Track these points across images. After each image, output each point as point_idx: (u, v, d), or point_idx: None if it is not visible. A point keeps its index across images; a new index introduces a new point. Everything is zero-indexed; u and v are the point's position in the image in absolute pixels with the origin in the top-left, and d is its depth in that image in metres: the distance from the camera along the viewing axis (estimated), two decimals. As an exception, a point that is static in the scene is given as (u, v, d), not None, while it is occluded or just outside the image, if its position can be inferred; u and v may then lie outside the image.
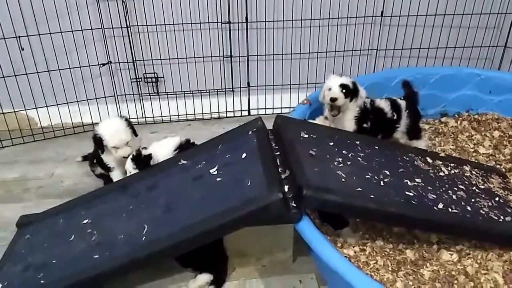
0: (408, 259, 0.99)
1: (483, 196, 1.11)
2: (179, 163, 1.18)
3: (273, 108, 1.97)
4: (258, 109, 1.96)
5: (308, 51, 1.88)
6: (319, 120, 1.36)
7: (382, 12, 1.81)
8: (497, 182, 1.23)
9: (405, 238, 1.05)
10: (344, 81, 1.29)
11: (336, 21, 1.83)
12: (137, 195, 1.15)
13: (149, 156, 1.20)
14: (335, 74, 1.34)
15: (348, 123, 1.33)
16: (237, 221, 0.92)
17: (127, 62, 1.82)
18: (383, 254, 1.01)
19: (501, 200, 1.11)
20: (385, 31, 1.87)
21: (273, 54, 1.87)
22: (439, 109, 1.70)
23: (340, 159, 1.07)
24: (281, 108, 1.97)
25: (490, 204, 1.08)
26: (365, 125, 1.33)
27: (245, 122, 1.22)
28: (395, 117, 1.37)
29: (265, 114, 1.96)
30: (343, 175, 1.01)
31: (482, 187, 1.16)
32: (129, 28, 1.74)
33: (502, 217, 1.03)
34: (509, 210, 1.07)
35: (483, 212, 1.03)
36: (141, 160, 1.20)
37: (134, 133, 1.29)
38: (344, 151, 1.12)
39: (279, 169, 1.01)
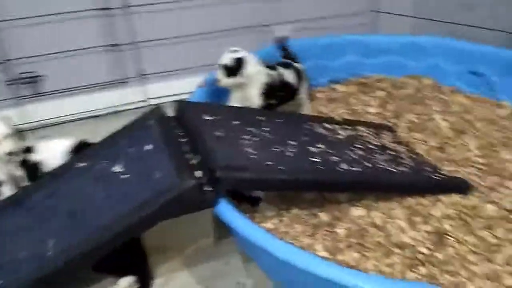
0: (323, 221, 1.04)
1: (378, 151, 1.21)
2: (76, 166, 1.07)
3: (173, 95, 1.89)
4: (157, 98, 1.87)
5: (202, 32, 1.83)
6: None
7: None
8: (388, 137, 1.34)
9: (317, 202, 1.10)
10: (224, 61, 1.26)
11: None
12: (34, 207, 1.03)
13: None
14: (232, 49, 1.30)
15: (253, 99, 1.33)
16: (151, 216, 0.87)
17: (-3, 62, 1.60)
18: (300, 221, 1.04)
19: (393, 153, 1.23)
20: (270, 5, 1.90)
21: (165, 39, 1.78)
22: (329, 77, 1.79)
23: (247, 137, 1.08)
24: (182, 94, 1.89)
25: (385, 158, 1.18)
26: (272, 101, 1.34)
27: (148, 110, 1.15)
28: (298, 84, 1.41)
29: (166, 102, 1.88)
30: (252, 151, 1.01)
31: (376, 143, 1.27)
32: (-9, 24, 1.52)
33: (397, 168, 1.14)
34: (402, 161, 1.19)
35: (381, 166, 1.12)
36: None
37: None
38: (250, 128, 1.13)
39: (188, 156, 0.98)
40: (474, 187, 1.14)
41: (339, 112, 1.58)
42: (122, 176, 0.99)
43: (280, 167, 0.97)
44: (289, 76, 1.39)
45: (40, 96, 1.71)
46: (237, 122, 1.14)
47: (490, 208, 1.07)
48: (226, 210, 0.90)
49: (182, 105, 1.14)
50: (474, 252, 0.94)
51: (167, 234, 1.11)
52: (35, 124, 1.73)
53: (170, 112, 1.15)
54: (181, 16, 1.78)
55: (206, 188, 0.90)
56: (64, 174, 1.07)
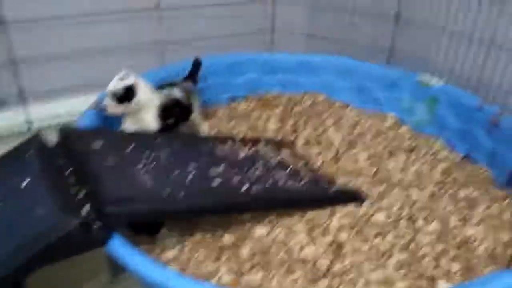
0: (227, 243, 1.02)
1: (278, 168, 1.23)
2: None
3: (58, 117, 1.72)
4: (40, 120, 1.69)
5: (89, 47, 1.71)
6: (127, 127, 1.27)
7: (158, 4, 1.79)
8: (287, 153, 1.38)
9: (221, 223, 1.08)
10: (113, 88, 1.18)
11: (111, 15, 1.72)
12: None
13: None
14: (121, 74, 1.22)
15: (150, 124, 1.27)
16: (30, 262, 0.77)
17: None
18: (204, 246, 1.01)
19: (293, 169, 1.26)
20: (167, 23, 1.86)
21: (46, 56, 1.63)
22: (229, 94, 1.80)
23: (142, 164, 1.02)
24: (69, 115, 1.74)
25: (285, 174, 1.21)
26: (170, 121, 1.30)
27: (26, 138, 1.03)
28: (189, 102, 1.39)
29: (51, 124, 1.71)
30: (147, 179, 0.95)
31: (276, 160, 1.29)
32: None
33: (296, 183, 1.17)
34: (301, 176, 1.22)
35: (281, 183, 1.14)
36: None
37: None
38: (146, 154, 1.07)
39: (73, 189, 0.89)
40: (366, 196, 1.22)
41: (241, 129, 1.59)
42: (-6, 217, 0.86)
43: (178, 194, 0.93)
44: (179, 95, 1.36)
45: None
46: (131, 148, 1.08)
47: (380, 216, 1.14)
48: (118, 248, 0.83)
49: (67, 131, 1.04)
50: (369, 260, 0.99)
51: (54, 275, 0.98)
52: None
53: (53, 138, 1.04)
54: (64, 31, 1.64)
55: (95, 226, 0.82)
56: None
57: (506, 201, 1.26)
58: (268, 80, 1.87)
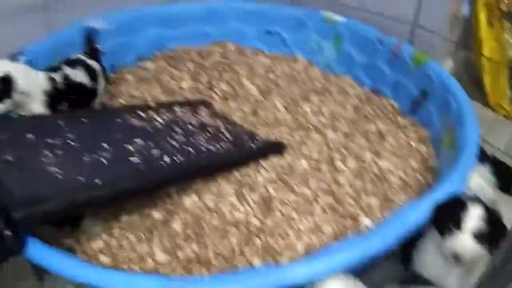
0: (157, 220, 1.00)
1: (198, 132, 1.20)
2: None
3: None
4: None
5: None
6: None
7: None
8: (205, 113, 1.34)
9: (147, 200, 1.04)
10: None
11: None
12: None
13: None
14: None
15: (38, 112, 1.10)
16: None
17: None
18: (133, 228, 0.98)
19: (213, 130, 1.23)
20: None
21: None
22: (135, 54, 1.67)
23: (47, 152, 0.92)
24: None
25: (206, 137, 1.18)
26: (60, 107, 1.16)
27: None
28: (94, 86, 1.25)
29: None
30: (57, 170, 0.87)
31: (195, 123, 1.25)
32: None
33: (217, 145, 1.15)
34: (222, 136, 1.21)
35: (203, 148, 1.12)
36: None
37: None
38: (49, 140, 0.97)
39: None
40: (287, 145, 1.25)
41: (153, 93, 1.49)
42: None
43: (95, 181, 0.87)
44: (79, 76, 1.19)
45: None
46: (32, 136, 0.97)
47: (303, 163, 1.19)
48: (36, 253, 0.77)
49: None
50: (296, 210, 1.04)
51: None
52: None
53: None
54: None
55: (6, 235, 0.74)
56: None
57: (412, 127, 1.37)
58: (173, 34, 1.75)
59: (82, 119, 1.10)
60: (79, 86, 1.18)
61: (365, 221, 1.01)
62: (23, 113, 1.08)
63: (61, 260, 0.77)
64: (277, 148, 1.23)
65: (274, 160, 1.19)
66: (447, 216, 0.81)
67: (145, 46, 1.69)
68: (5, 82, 0.98)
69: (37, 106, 1.08)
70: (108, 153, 0.98)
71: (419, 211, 0.86)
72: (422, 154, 1.24)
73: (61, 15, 1.66)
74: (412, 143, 1.29)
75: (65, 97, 1.15)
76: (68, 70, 1.18)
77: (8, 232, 0.75)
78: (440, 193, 0.89)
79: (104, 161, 0.95)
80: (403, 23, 1.55)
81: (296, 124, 1.36)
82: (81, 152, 0.96)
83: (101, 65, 1.32)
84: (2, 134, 0.94)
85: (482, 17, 1.55)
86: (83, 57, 1.26)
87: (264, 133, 1.31)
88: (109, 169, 0.93)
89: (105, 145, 1.01)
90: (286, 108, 1.44)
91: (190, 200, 1.04)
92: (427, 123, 1.35)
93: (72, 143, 0.99)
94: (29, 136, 0.97)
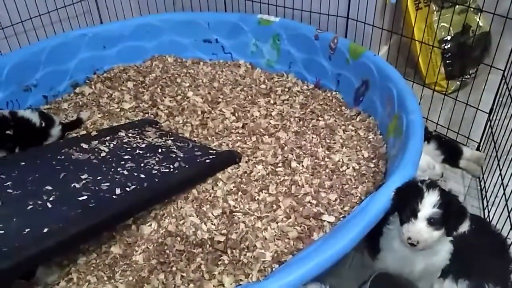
0: (116, 256, 0.95)
1: (148, 154, 1.16)
2: None
3: None
4: None
5: None
6: None
7: None
8: (152, 132, 1.30)
9: (103, 237, 0.99)
10: None
11: None
12: None
13: None
14: None
15: None
16: None
17: None
18: (92, 269, 0.92)
19: (164, 150, 1.19)
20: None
21: None
22: (68, 81, 1.59)
23: (-15, 207, 0.85)
24: None
25: (157, 159, 1.14)
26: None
27: None
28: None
29: None
30: (-1, 225, 0.81)
31: (144, 145, 1.21)
32: None
33: (171, 165, 1.12)
34: (174, 155, 1.17)
35: (156, 171, 1.08)
36: None
37: None
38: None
39: None
40: (242, 153, 1.24)
41: (94, 119, 1.43)
42: None
43: (43, 230, 0.81)
44: (26, 113, 1.18)
45: None
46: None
47: (260, 169, 1.18)
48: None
49: None
50: (260, 218, 1.03)
51: None
52: None
53: None
54: None
55: None
56: None
57: (358, 118, 1.40)
58: (107, 54, 1.68)
59: (22, 162, 1.03)
60: (27, 122, 1.17)
61: (328, 219, 1.01)
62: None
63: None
64: (232, 158, 1.21)
65: (231, 170, 1.18)
66: (403, 204, 0.83)
67: (79, 71, 1.61)
68: None
69: None
70: (53, 196, 0.92)
71: (379, 203, 0.88)
72: (372, 143, 1.27)
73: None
74: (361, 133, 1.32)
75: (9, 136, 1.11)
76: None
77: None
78: (396, 181, 0.91)
79: (50, 205, 0.89)
80: (338, 18, 1.58)
81: (247, 131, 1.35)
82: (23, 200, 0.89)
83: None
84: None
85: (410, 1, 1.61)
86: None
87: (216, 144, 1.29)
88: (56, 213, 0.87)
89: (48, 187, 0.95)
90: (234, 115, 1.42)
91: (149, 229, 1.00)
92: (372, 112, 1.38)
93: (12, 192, 0.92)
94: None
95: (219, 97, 1.51)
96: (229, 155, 1.22)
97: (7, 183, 0.93)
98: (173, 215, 1.04)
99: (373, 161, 1.21)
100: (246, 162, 1.21)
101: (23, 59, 1.44)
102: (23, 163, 1.02)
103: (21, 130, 1.14)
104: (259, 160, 1.22)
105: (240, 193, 1.11)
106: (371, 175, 1.16)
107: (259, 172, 1.17)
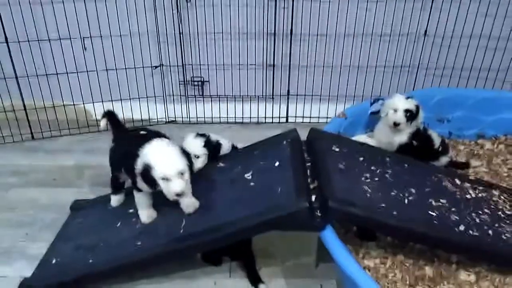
0: (426, 275, 1.04)
1: (508, 222, 1.13)
2: (218, 165, 1.28)
3: (310, 117, 2.04)
4: (296, 117, 2.04)
5: (348, 64, 1.94)
6: (359, 138, 1.43)
7: (425, 31, 1.84)
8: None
9: (425, 255, 1.10)
10: (409, 106, 1.38)
11: (379, 37, 1.88)
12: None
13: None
14: (400, 94, 1.42)
15: (400, 137, 1.40)
16: (265, 224, 1.01)
17: (177, 65, 1.96)
18: (403, 268, 1.06)
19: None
20: (427, 49, 1.90)
21: (314, 66, 1.94)
22: (476, 130, 1.70)
23: (368, 175, 1.14)
24: (318, 117, 2.03)
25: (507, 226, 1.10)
26: (414, 143, 1.40)
27: (282, 128, 1.30)
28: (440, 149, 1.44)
29: (302, 122, 2.04)
30: (368, 190, 1.07)
31: (509, 212, 1.18)
32: (181, 35, 1.87)
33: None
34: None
35: (505, 238, 1.05)
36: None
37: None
38: (372, 167, 1.18)
39: (309, 180, 1.09)
40: None
41: (478, 169, 1.50)
42: (251, 183, 1.15)
43: (392, 212, 1.01)
44: (431, 132, 1.47)
45: (203, 97, 2.03)
46: (362, 159, 1.21)
47: None
48: (331, 238, 0.98)
49: (315, 133, 1.26)
50: None
51: (276, 243, 1.23)
52: (193, 119, 2.07)
53: (304, 133, 1.27)
54: (332, 47, 1.90)
55: (316, 213, 1.00)
56: (207, 169, 1.28)
57: None
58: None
59: (405, 164, 1.26)
60: (428, 138, 1.44)
61: None
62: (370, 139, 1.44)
63: (340, 251, 0.95)
64: None
65: None
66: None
67: (491, 127, 1.68)
68: (417, 110, 1.40)
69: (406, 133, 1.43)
70: (412, 197, 1.10)
71: None
72: None
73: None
74: None
75: (418, 139, 1.42)
76: None
77: (319, 214, 1.00)
78: None
79: (406, 201, 1.08)
80: None
81: None
82: (391, 187, 1.12)
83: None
84: (345, 149, 1.22)
85: None
86: None
87: None
88: (407, 208, 1.05)
89: (412, 190, 1.13)
90: None
91: (466, 277, 1.03)
92: None
93: (388, 177, 1.16)
94: (360, 158, 1.22)
95: None
96: None
97: (389, 170, 1.19)
98: (496, 284, 1.01)
99: None
100: None
101: (451, 95, 1.66)
102: (406, 165, 1.25)
103: (425, 145, 1.42)
104: None
105: None
106: None
107: None
